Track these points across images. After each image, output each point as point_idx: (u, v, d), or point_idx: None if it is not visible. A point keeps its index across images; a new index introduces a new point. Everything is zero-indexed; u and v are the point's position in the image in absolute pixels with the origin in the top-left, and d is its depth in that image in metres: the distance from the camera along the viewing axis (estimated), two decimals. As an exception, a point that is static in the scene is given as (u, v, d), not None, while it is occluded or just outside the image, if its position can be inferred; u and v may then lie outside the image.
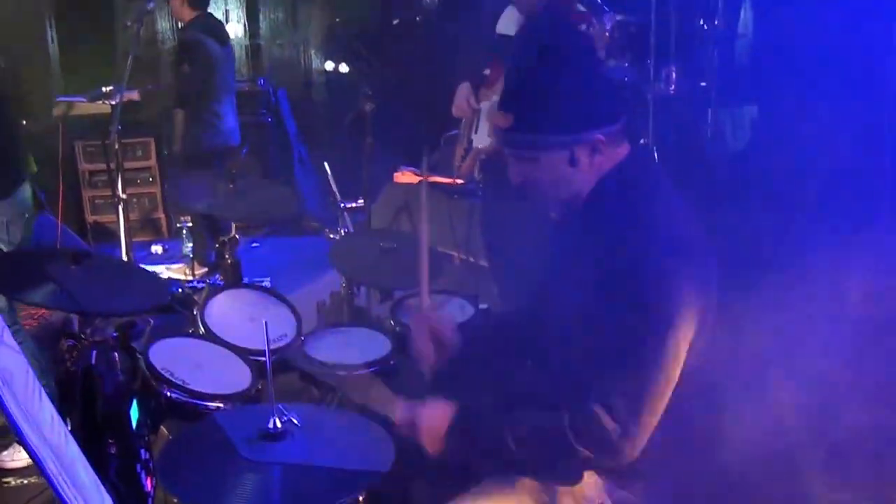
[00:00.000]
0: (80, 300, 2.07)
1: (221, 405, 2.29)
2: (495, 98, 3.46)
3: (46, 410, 1.35)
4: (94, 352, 2.20)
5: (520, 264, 2.21)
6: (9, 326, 2.87)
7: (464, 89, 3.65)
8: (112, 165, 4.47)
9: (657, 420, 1.64)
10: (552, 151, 1.71)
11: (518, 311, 2.20)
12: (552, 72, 1.72)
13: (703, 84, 5.99)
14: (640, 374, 1.61)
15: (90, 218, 6.10)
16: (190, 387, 2.30)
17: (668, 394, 1.64)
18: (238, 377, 2.46)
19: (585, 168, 1.72)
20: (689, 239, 1.72)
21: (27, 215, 3.13)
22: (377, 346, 2.71)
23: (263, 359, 1.70)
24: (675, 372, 1.64)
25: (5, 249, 3.05)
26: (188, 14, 4.94)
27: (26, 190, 3.16)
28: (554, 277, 1.90)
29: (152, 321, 2.47)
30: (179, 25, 5.19)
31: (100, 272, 2.31)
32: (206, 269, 5.09)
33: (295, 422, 1.66)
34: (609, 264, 1.65)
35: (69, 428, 2.00)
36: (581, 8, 3.34)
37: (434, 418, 1.76)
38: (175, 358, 2.42)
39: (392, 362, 2.63)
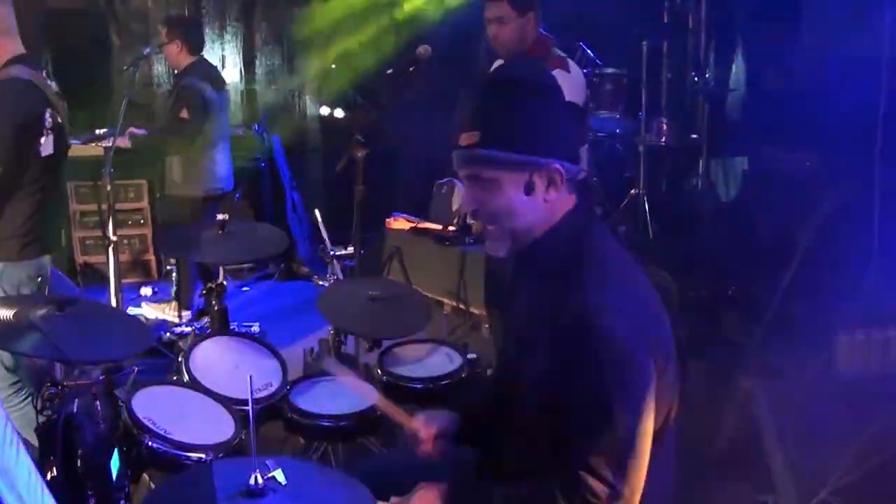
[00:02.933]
0: (65, 349, 2.05)
1: (203, 455, 2.27)
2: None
3: (24, 466, 1.33)
4: (76, 400, 2.18)
5: (506, 319, 2.20)
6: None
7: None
8: (104, 206, 4.47)
9: (644, 475, 1.62)
10: (513, 171, 1.69)
11: (496, 369, 2.19)
12: (524, 94, 1.72)
13: (694, 136, 6.10)
14: (614, 434, 1.59)
15: (80, 258, 6.08)
16: (172, 436, 2.28)
17: (648, 448, 1.63)
18: (221, 427, 2.43)
19: (540, 200, 1.71)
20: (638, 289, 1.73)
21: (39, 279, 3.11)
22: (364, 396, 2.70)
23: (247, 408, 1.68)
24: (649, 425, 1.63)
25: None
26: (184, 60, 4.97)
27: (45, 259, 3.15)
28: (515, 333, 1.90)
29: (137, 367, 2.45)
30: (175, 71, 5.21)
31: (85, 319, 2.30)
32: (188, 313, 5.07)
33: (277, 479, 1.64)
34: (564, 320, 1.64)
35: (49, 478, 1.98)
36: (560, 53, 3.39)
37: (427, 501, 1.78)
38: (157, 407, 2.39)
39: (378, 413, 2.60)
